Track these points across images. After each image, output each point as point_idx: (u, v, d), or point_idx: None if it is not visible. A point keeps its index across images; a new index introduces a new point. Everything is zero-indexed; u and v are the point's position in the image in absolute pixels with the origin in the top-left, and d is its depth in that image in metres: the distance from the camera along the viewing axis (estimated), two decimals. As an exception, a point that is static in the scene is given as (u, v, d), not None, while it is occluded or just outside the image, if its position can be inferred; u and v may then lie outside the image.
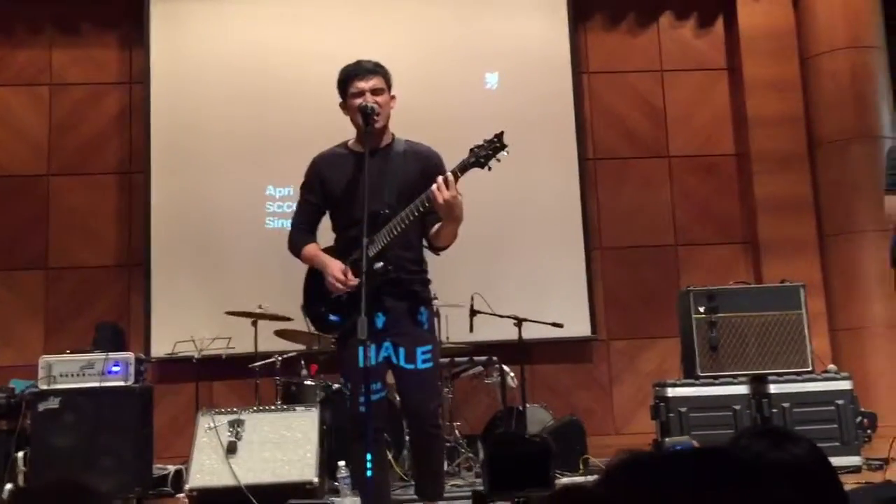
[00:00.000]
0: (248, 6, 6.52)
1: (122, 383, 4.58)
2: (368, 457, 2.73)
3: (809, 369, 4.93)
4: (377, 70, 3.25)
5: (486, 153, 2.99)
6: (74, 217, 6.34)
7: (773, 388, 4.86)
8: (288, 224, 3.52)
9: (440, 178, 2.98)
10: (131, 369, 4.61)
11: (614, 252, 6.64)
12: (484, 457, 4.03)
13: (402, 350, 3.17)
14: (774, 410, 4.79)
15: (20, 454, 4.52)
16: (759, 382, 4.91)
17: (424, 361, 3.18)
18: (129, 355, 4.68)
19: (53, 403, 4.50)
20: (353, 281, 3.09)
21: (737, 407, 4.83)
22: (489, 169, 3.02)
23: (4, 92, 6.44)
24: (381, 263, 3.09)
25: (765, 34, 6.76)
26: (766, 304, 5.02)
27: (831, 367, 5.03)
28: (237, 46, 6.42)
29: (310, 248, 3.31)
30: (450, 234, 3.17)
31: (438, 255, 3.35)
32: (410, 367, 3.17)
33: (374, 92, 3.19)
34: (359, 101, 3.17)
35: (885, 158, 3.85)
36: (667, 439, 4.60)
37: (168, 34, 6.42)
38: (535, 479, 3.66)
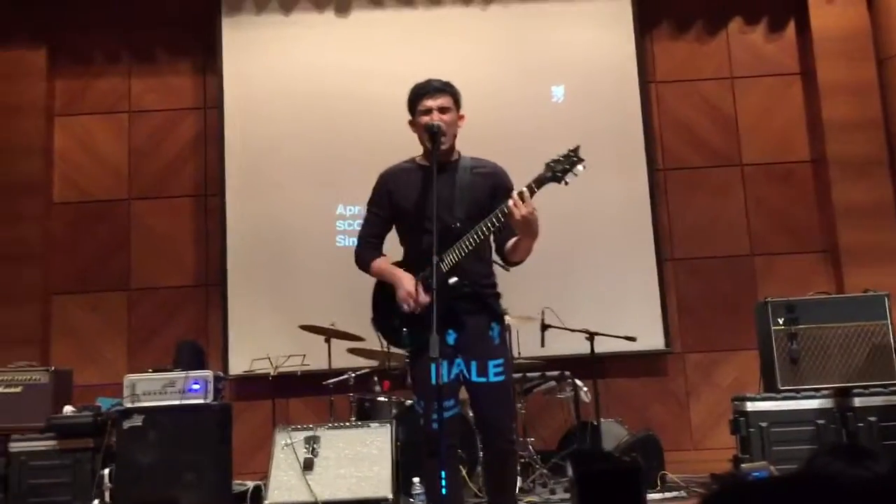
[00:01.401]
0: (317, 30, 6.66)
1: (201, 401, 4.70)
2: (443, 474, 2.73)
3: (896, 382, 4.76)
4: (445, 89, 3.28)
5: (562, 168, 2.98)
6: (154, 239, 6.55)
7: (859, 402, 4.69)
8: (357, 242, 3.55)
9: (516, 193, 2.98)
10: (210, 387, 4.72)
11: (687, 263, 6.52)
12: (572, 475, 3.98)
13: (473, 364, 3.18)
14: (860, 425, 4.62)
15: (106, 471, 4.67)
16: (843, 396, 4.75)
17: (496, 375, 3.17)
18: (209, 373, 4.80)
19: (137, 421, 4.65)
20: (424, 299, 3.10)
21: (820, 422, 4.68)
22: (566, 184, 3.00)
23: (87, 120, 6.71)
24: (456, 279, 3.10)
25: (839, 36, 6.57)
26: (849, 315, 4.87)
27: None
28: (306, 70, 6.56)
29: (379, 262, 3.34)
30: (525, 250, 3.17)
31: (509, 270, 3.34)
32: (482, 380, 3.17)
33: (442, 110, 3.23)
34: (426, 119, 3.21)
35: None
36: (742, 466, 4.48)
37: (240, 60, 6.60)
38: (626, 499, 3.59)
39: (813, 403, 4.73)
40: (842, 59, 6.54)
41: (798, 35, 6.79)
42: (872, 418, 4.64)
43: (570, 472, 4.03)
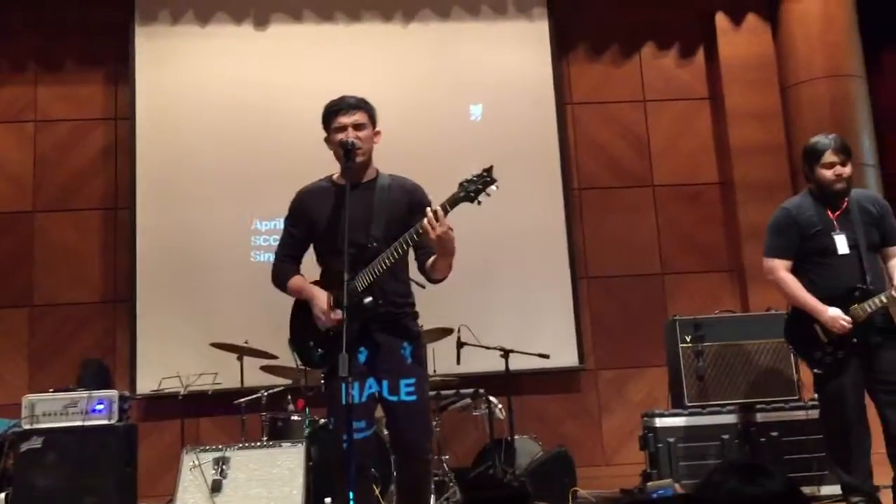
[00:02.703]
0: (233, 42, 6.56)
1: (105, 422, 4.55)
2: (350, 495, 2.70)
3: (796, 397, 4.94)
4: (360, 105, 3.27)
5: (475, 188, 3.00)
6: (59, 253, 6.31)
7: (761, 417, 4.86)
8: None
9: (429, 212, 2.99)
10: (115, 407, 4.57)
11: (601, 281, 6.65)
12: (462, 501, 4.01)
13: (385, 383, 3.16)
14: (762, 440, 4.78)
15: (2, 495, 4.46)
16: (746, 411, 4.91)
17: (408, 394, 3.16)
18: (113, 393, 4.65)
19: (36, 443, 4.46)
20: (336, 316, 3.08)
21: (725, 437, 4.83)
22: (479, 203, 3.02)
23: (-11, 129, 6.44)
24: (371, 298, 3.09)
25: (745, 64, 6.84)
26: (753, 333, 5.04)
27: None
28: (222, 82, 6.45)
29: (296, 281, 3.31)
30: (444, 267, 3.17)
31: (424, 287, 3.34)
32: (394, 399, 3.15)
33: (357, 127, 3.21)
34: (340, 136, 3.19)
35: (766, 230, 4.23)
36: (649, 484, 4.60)
37: (153, 70, 6.45)
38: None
39: (718, 419, 4.87)
40: (748, 86, 6.81)
41: (707, 61, 7.03)
42: (774, 433, 4.81)
43: (458, 495, 4.06)
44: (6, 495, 4.49)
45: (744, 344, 5.01)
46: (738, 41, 6.90)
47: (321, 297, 3.16)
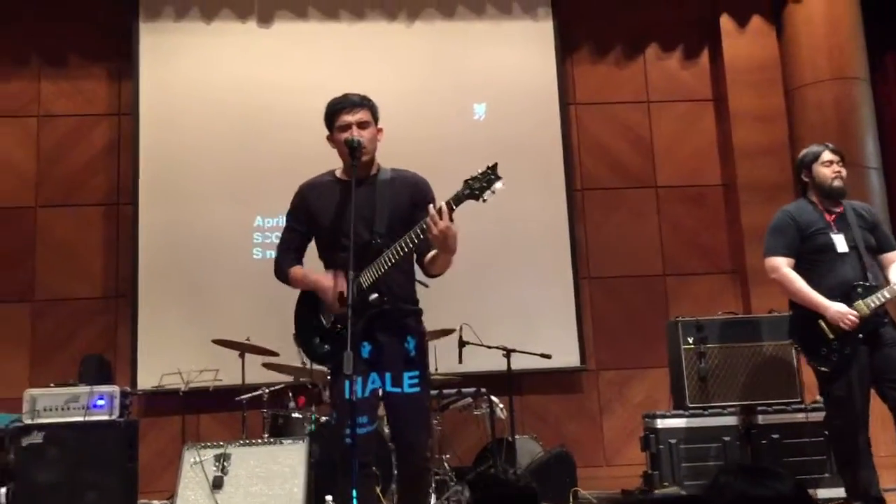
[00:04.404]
0: (238, 39, 6.56)
1: (106, 417, 4.54)
2: (353, 493, 2.70)
3: (798, 400, 4.93)
4: (364, 103, 3.25)
5: (480, 185, 2.96)
6: (61, 249, 6.31)
7: (762, 419, 4.86)
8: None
9: (434, 209, 2.97)
10: (116, 403, 4.56)
11: (603, 282, 6.64)
12: (470, 500, 3.99)
13: (388, 375, 3.15)
14: (763, 441, 4.78)
15: (3, 490, 4.45)
16: (748, 413, 4.90)
17: (412, 386, 3.14)
18: (114, 388, 4.64)
19: (37, 438, 4.46)
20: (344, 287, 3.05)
21: (726, 438, 4.83)
22: (484, 201, 2.99)
23: (-8, 124, 6.43)
24: (376, 295, 3.07)
25: (749, 66, 6.83)
26: (755, 335, 5.04)
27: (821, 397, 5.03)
28: (226, 79, 6.45)
29: (297, 270, 3.30)
30: (444, 264, 3.16)
31: (428, 286, 3.33)
32: (397, 390, 3.14)
33: (361, 125, 3.19)
34: (345, 134, 3.17)
35: (767, 232, 4.29)
36: (656, 492, 4.60)
37: (157, 66, 6.45)
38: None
39: (720, 421, 4.87)
40: (752, 88, 6.79)
41: (711, 63, 7.03)
42: (775, 435, 4.80)
43: (466, 493, 4.05)
44: (7, 490, 4.48)
45: (746, 346, 5.01)
46: (743, 43, 6.89)
47: (325, 280, 3.16)
